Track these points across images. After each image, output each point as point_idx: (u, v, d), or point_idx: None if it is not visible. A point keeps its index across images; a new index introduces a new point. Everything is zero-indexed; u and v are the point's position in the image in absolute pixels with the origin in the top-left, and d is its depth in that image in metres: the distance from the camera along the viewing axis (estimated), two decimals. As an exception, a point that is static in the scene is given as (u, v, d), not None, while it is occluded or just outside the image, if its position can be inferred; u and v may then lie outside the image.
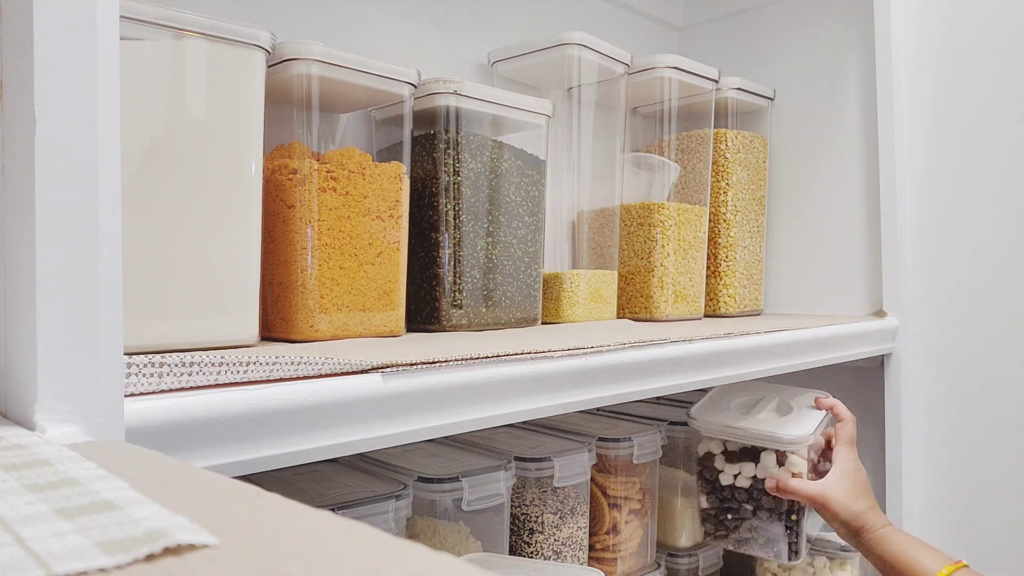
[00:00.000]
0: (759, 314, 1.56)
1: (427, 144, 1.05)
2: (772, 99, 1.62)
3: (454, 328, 1.03)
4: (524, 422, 1.26)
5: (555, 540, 1.08)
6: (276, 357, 0.60)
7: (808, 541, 1.29)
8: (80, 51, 0.41)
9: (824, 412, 1.27)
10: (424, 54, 1.29)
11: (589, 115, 1.32)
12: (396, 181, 0.94)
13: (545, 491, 1.07)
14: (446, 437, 1.07)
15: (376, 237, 0.91)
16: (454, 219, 1.02)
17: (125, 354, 0.45)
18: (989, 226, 1.34)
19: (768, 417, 1.27)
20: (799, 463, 1.21)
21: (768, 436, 1.21)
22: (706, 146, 1.48)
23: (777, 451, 1.22)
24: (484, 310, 1.06)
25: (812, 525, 1.34)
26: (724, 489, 1.28)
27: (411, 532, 0.97)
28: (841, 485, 1.14)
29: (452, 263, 1.02)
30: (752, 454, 1.25)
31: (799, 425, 1.22)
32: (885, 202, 1.42)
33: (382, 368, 0.64)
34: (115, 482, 0.31)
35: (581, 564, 1.12)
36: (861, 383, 1.52)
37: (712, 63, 1.49)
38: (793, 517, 1.23)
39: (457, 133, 1.03)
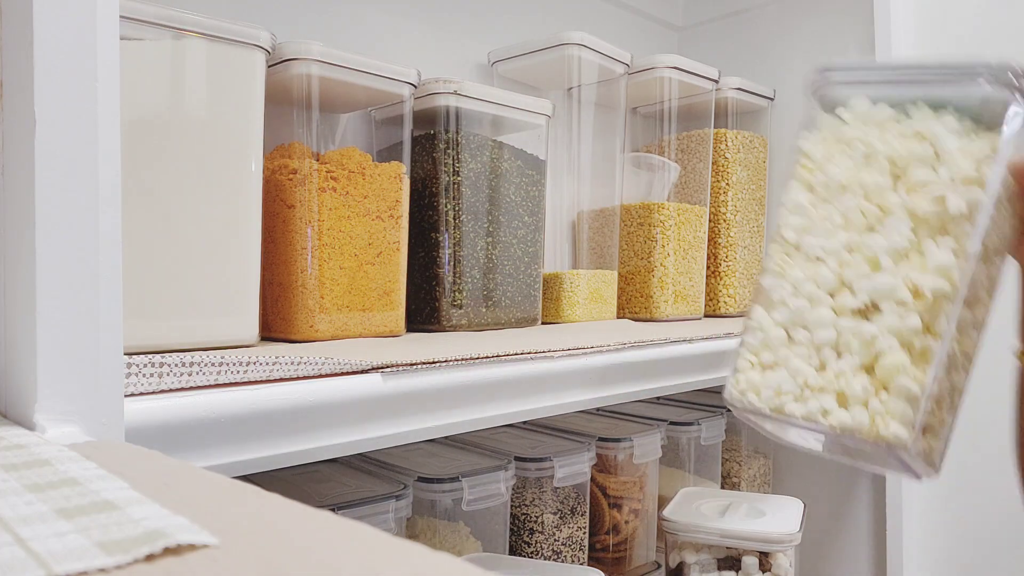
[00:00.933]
0: (759, 314, 1.56)
1: (427, 144, 1.05)
2: (772, 99, 1.62)
3: (454, 328, 1.03)
4: (524, 422, 1.26)
5: (555, 540, 1.08)
6: (276, 357, 0.60)
7: None
8: (80, 51, 0.41)
9: (803, 506, 1.21)
10: (424, 54, 1.29)
11: (589, 115, 1.32)
12: (396, 181, 0.94)
13: (545, 491, 1.08)
14: (446, 437, 1.07)
15: (376, 237, 0.91)
16: (454, 219, 1.02)
17: (125, 354, 0.45)
18: (989, 226, 1.34)
19: (745, 518, 1.18)
20: (785, 565, 1.14)
21: (754, 535, 1.13)
22: (706, 146, 1.48)
23: (760, 553, 1.15)
24: (484, 310, 1.06)
25: None
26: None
27: (411, 532, 0.97)
28: None
29: (452, 263, 1.02)
30: (731, 563, 1.17)
31: (783, 523, 1.15)
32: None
33: (382, 368, 0.64)
34: (115, 482, 0.31)
35: (581, 564, 1.12)
36: (861, 383, 1.52)
37: (712, 63, 1.49)
38: None
39: (457, 133, 1.03)
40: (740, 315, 1.49)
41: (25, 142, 0.40)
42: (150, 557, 0.24)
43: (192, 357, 0.54)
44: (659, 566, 1.27)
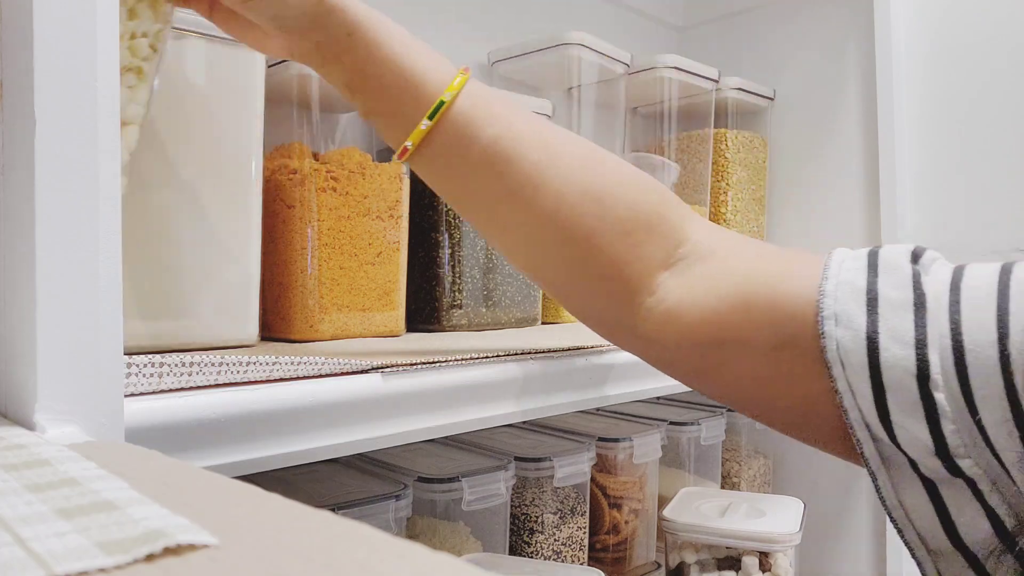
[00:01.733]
0: (759, 314, 1.56)
1: (427, 144, 1.04)
2: (772, 99, 1.62)
3: (454, 328, 1.03)
4: (524, 422, 1.26)
5: (555, 540, 1.08)
6: (276, 357, 0.60)
7: None
8: (80, 51, 0.41)
9: (803, 506, 1.22)
10: (424, 54, 1.29)
11: (589, 115, 1.32)
12: (396, 181, 0.94)
13: (545, 491, 1.07)
14: (446, 437, 1.07)
15: (376, 237, 0.91)
16: (454, 219, 1.02)
17: (125, 354, 0.45)
18: (990, 226, 1.34)
19: (745, 518, 1.18)
20: (785, 565, 1.13)
21: (754, 535, 1.12)
22: (706, 146, 1.48)
23: (761, 553, 1.14)
24: (484, 310, 1.05)
25: None
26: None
27: (411, 532, 0.97)
28: None
29: (452, 263, 1.02)
30: (731, 562, 1.17)
31: (783, 523, 1.15)
32: (885, 202, 1.42)
33: (382, 368, 0.64)
34: (115, 482, 0.31)
35: (581, 564, 1.11)
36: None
37: (712, 63, 1.49)
38: None
39: (457, 133, 1.03)
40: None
41: (25, 142, 0.40)
42: (150, 557, 0.24)
43: (192, 357, 0.54)
44: (659, 566, 1.27)
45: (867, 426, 0.54)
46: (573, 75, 1.29)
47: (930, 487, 0.53)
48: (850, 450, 0.57)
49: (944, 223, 1.39)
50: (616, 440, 1.19)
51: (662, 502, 1.27)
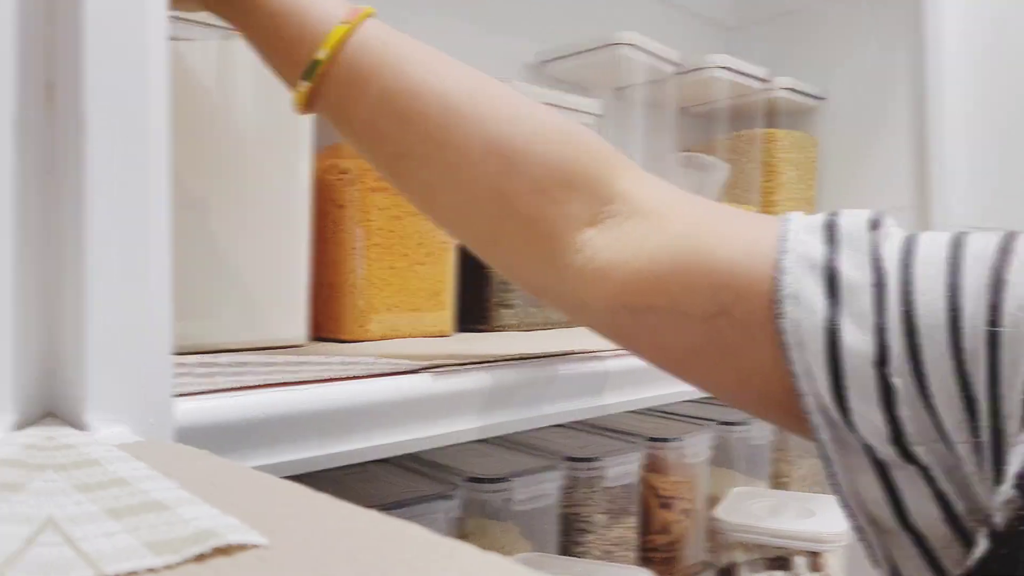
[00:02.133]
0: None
1: (476, 144, 1.04)
2: (823, 99, 1.60)
3: (503, 328, 1.02)
4: (574, 422, 1.26)
5: (605, 540, 1.08)
6: (326, 357, 0.60)
7: None
8: (130, 52, 0.42)
9: None
10: (473, 53, 1.29)
11: (639, 115, 1.32)
12: (445, 181, 0.94)
13: (595, 491, 1.07)
14: (497, 437, 1.07)
15: (426, 237, 0.91)
16: (503, 219, 1.02)
17: (176, 354, 0.45)
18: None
19: (796, 518, 1.17)
20: (835, 565, 1.12)
21: (804, 535, 1.12)
22: (756, 146, 1.46)
23: (811, 553, 1.13)
24: (534, 310, 1.05)
25: None
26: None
27: (461, 532, 0.97)
28: None
29: (501, 263, 1.02)
30: (781, 563, 1.16)
31: (833, 522, 1.13)
32: (936, 202, 1.40)
33: (432, 368, 0.64)
34: (164, 482, 0.31)
35: (631, 564, 1.11)
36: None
37: (762, 63, 1.48)
38: None
39: (506, 133, 1.03)
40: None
41: (75, 142, 0.40)
42: (200, 557, 0.24)
43: (242, 357, 0.55)
44: (709, 566, 1.26)
45: (823, 411, 0.51)
46: (623, 75, 1.29)
47: (881, 469, 0.51)
48: (794, 422, 0.54)
49: (997, 224, 1.37)
50: (666, 440, 1.18)
51: (712, 502, 1.26)
